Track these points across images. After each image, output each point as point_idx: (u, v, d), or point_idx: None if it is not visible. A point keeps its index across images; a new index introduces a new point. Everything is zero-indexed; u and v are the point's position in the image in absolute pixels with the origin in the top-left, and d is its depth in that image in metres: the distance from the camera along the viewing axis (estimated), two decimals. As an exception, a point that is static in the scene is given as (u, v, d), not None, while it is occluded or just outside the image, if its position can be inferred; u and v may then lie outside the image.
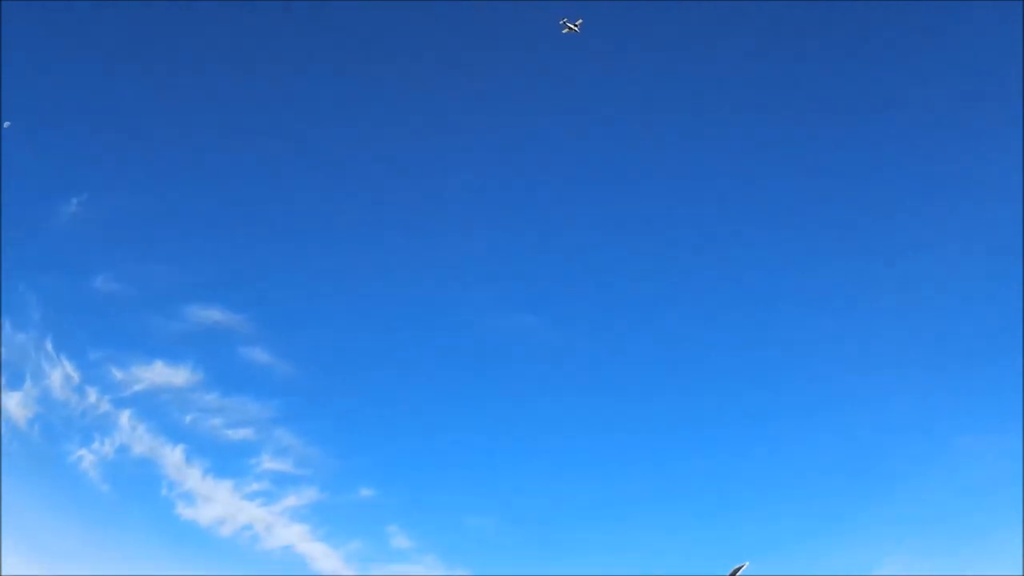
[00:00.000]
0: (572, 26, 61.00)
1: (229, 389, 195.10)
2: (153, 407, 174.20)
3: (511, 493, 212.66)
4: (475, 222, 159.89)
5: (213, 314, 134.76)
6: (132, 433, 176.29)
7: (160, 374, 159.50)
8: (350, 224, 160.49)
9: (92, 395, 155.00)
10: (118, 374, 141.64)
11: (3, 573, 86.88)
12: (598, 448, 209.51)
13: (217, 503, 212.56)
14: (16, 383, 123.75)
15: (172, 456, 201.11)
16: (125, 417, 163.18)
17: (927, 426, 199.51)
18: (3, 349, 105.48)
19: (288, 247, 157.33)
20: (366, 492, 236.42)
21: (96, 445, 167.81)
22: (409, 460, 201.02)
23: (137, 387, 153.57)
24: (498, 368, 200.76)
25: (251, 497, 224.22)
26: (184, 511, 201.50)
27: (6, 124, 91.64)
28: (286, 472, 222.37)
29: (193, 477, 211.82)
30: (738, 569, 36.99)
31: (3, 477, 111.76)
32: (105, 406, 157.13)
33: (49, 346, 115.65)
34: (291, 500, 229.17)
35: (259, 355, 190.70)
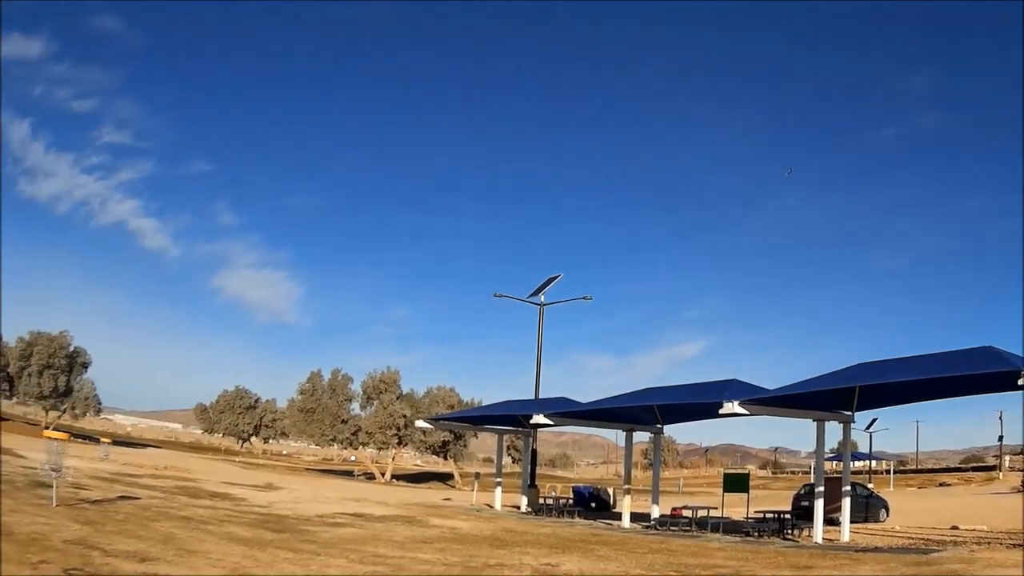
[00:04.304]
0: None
1: (80, 59, 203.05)
2: (5, 82, 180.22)
3: (336, 174, 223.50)
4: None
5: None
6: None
7: (16, 47, 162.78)
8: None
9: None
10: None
11: None
12: (418, 134, 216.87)
13: (57, 179, 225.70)
14: None
15: (19, 131, 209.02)
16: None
17: (755, 174, 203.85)
18: None
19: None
20: (200, 166, 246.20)
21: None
22: (243, 135, 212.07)
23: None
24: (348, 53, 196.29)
25: (90, 171, 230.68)
26: (25, 188, 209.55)
27: None
28: (125, 144, 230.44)
29: (36, 152, 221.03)
30: (552, 279, 38.46)
31: None
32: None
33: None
34: (127, 174, 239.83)
35: (112, 23, 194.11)
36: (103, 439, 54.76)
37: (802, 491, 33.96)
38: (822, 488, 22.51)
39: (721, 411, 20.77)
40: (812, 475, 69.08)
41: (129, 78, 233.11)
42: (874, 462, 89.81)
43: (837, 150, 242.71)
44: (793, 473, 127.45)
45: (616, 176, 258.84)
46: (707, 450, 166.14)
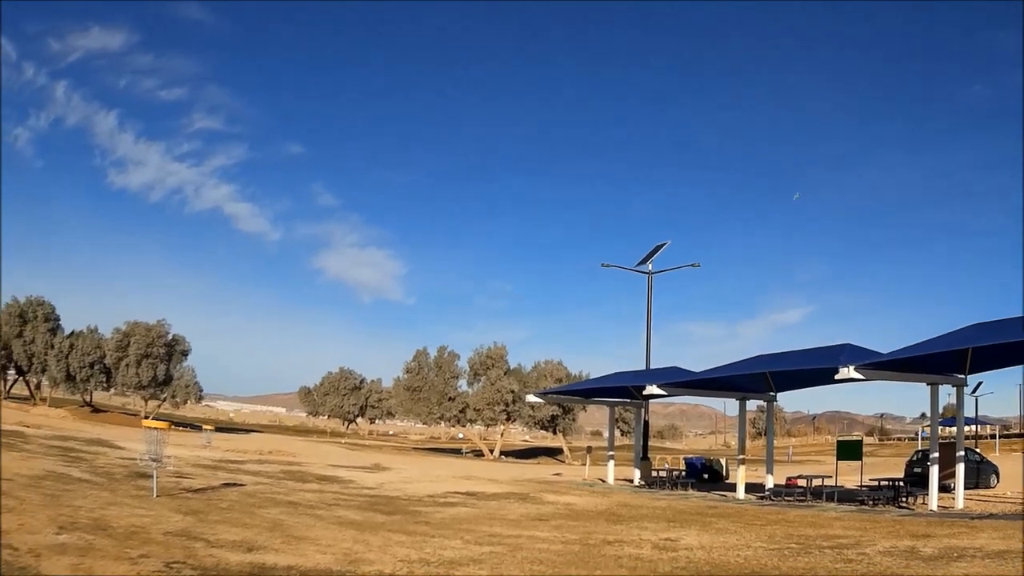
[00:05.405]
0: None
1: (164, 48, 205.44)
2: (88, 74, 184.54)
3: (432, 149, 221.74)
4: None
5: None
6: (67, 104, 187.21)
7: (96, 40, 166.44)
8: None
9: (29, 70, 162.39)
10: (55, 45, 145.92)
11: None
12: (517, 103, 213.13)
13: (148, 168, 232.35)
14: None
15: (105, 123, 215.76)
16: (61, 89, 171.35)
17: (849, 135, 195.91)
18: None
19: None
20: (294, 148, 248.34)
21: (32, 121, 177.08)
22: (337, 113, 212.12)
23: (73, 56, 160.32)
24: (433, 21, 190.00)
25: (181, 159, 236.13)
26: (116, 179, 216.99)
27: None
28: (217, 130, 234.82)
29: (125, 143, 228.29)
30: (660, 247, 37.86)
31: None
32: (42, 79, 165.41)
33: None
34: (220, 159, 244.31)
35: (194, 11, 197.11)
36: (205, 426, 55.49)
37: (915, 458, 33.97)
38: (937, 454, 22.25)
39: (837, 376, 20.67)
40: (920, 441, 68.40)
41: (218, 64, 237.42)
42: (978, 426, 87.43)
43: (928, 108, 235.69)
44: (899, 440, 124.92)
45: (719, 142, 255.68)
46: (814, 417, 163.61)
